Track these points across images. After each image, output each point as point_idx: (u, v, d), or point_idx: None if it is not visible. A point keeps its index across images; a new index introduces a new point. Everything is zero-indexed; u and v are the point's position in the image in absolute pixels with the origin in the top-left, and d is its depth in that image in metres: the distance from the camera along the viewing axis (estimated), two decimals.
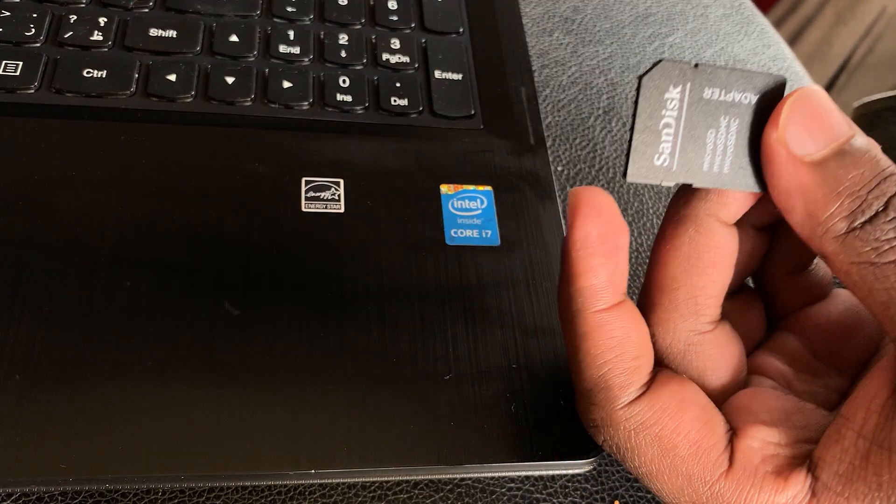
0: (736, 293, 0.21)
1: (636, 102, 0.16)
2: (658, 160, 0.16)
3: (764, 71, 0.16)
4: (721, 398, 0.19)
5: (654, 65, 0.16)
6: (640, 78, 0.16)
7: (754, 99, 0.16)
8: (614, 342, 0.17)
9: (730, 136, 0.16)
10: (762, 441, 0.17)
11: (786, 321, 0.21)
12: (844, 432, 0.16)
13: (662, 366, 0.19)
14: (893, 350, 0.16)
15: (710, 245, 0.17)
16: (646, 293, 0.19)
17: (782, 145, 0.16)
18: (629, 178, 0.16)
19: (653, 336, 0.19)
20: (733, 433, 0.18)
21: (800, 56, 1.00)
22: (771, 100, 0.16)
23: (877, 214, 0.15)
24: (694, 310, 0.18)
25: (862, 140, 0.16)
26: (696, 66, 0.16)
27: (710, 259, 0.18)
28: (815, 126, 0.16)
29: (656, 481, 0.18)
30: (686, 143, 0.16)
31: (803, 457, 0.16)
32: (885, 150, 0.17)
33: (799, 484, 0.16)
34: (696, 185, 0.17)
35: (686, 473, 0.17)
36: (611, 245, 0.17)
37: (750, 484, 0.16)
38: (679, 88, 0.16)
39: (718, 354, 0.19)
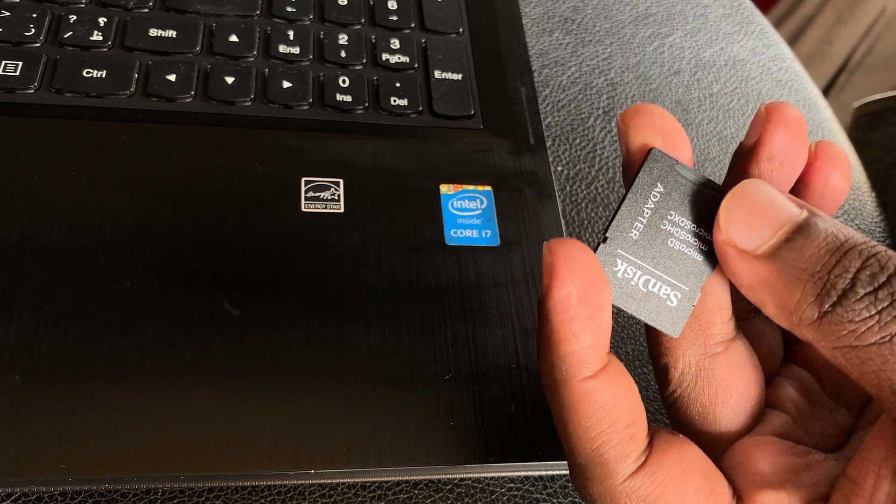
0: (755, 315, 0.20)
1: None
2: (673, 302, 0.17)
3: (638, 166, 0.17)
4: (735, 426, 0.18)
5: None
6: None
7: (660, 187, 0.17)
8: (605, 411, 0.16)
9: (682, 225, 0.17)
10: (773, 499, 0.16)
11: (796, 350, 0.20)
12: (854, 500, 0.15)
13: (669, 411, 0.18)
14: (893, 427, 0.15)
15: None
16: None
17: (729, 245, 0.16)
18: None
19: (664, 366, 0.18)
20: (739, 498, 0.17)
21: (799, 56, 1.00)
22: (666, 170, 0.17)
23: (845, 294, 0.14)
24: (700, 330, 0.17)
25: (814, 219, 0.15)
26: (605, 238, 0.17)
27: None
28: (757, 218, 0.16)
29: None
30: (670, 269, 0.17)
31: None
32: (885, 150, 0.16)
33: None
34: (707, 274, 0.17)
35: None
36: (593, 305, 0.16)
37: None
38: (618, 260, 0.17)
39: (732, 377, 0.18)
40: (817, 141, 0.18)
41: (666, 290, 0.17)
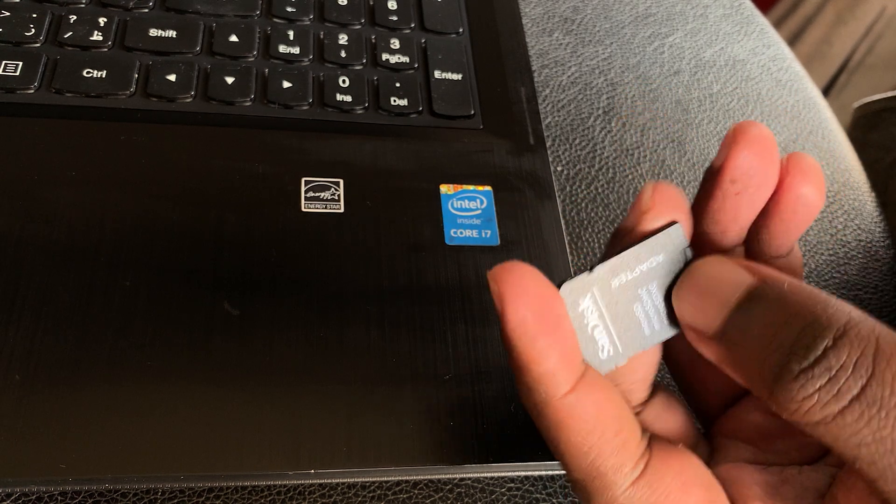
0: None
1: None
2: (603, 354, 0.17)
3: (657, 228, 0.17)
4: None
5: (559, 284, 0.17)
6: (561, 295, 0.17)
7: (661, 258, 0.17)
8: (591, 424, 0.16)
9: (654, 297, 0.17)
10: None
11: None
12: None
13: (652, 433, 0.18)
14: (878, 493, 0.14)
15: None
16: None
17: (688, 329, 0.16)
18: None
19: None
20: None
21: (799, 56, 1.00)
22: (676, 246, 0.17)
23: (780, 373, 0.14)
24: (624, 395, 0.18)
25: (759, 289, 0.15)
26: (592, 270, 0.17)
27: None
28: (705, 300, 0.16)
29: None
30: (619, 328, 0.17)
31: None
32: (885, 150, 0.16)
33: None
34: (644, 349, 0.18)
35: None
36: (551, 321, 0.15)
37: None
38: (588, 296, 0.17)
39: (661, 427, 0.18)
40: (789, 154, 0.18)
41: (605, 342, 0.17)
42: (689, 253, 0.17)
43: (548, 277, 0.16)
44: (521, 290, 0.15)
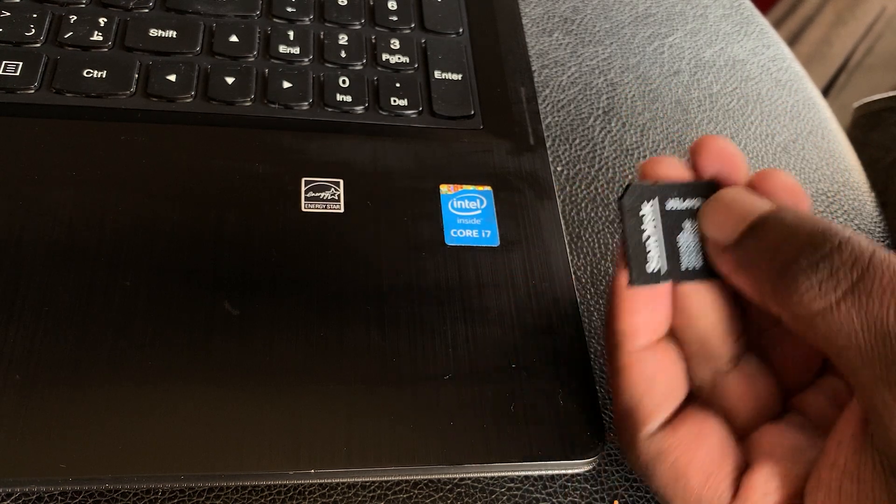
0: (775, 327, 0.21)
1: (622, 221, 0.19)
2: (650, 267, 0.19)
3: (702, 179, 0.20)
4: (748, 430, 0.20)
5: (626, 188, 0.19)
6: (619, 201, 0.19)
7: (700, 203, 0.20)
8: (644, 380, 0.19)
9: (694, 235, 0.19)
10: (766, 476, 0.18)
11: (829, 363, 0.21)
12: (821, 466, 0.17)
13: (699, 400, 0.20)
14: (855, 394, 0.17)
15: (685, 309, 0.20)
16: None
17: (708, 242, 0.19)
18: (634, 285, 0.19)
19: (689, 373, 0.20)
20: (747, 467, 0.19)
21: (799, 56, 1.00)
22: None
23: (793, 271, 0.16)
24: (706, 355, 0.20)
25: (772, 212, 0.18)
26: (656, 183, 0.19)
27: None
28: (725, 217, 0.18)
29: (669, 501, 0.19)
30: (667, 250, 0.19)
31: (800, 490, 0.17)
32: (885, 150, 0.17)
33: None
34: (678, 282, 0.19)
35: (694, 498, 0.18)
36: (649, 295, 0.19)
37: None
38: (649, 204, 0.19)
39: (744, 391, 0.20)
40: (759, 171, 0.20)
41: (654, 255, 0.19)
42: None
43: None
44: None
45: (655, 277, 0.19)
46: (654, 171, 0.19)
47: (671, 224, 0.19)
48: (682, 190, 0.19)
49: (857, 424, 0.17)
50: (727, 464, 0.19)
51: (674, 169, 0.19)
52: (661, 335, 0.20)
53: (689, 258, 0.19)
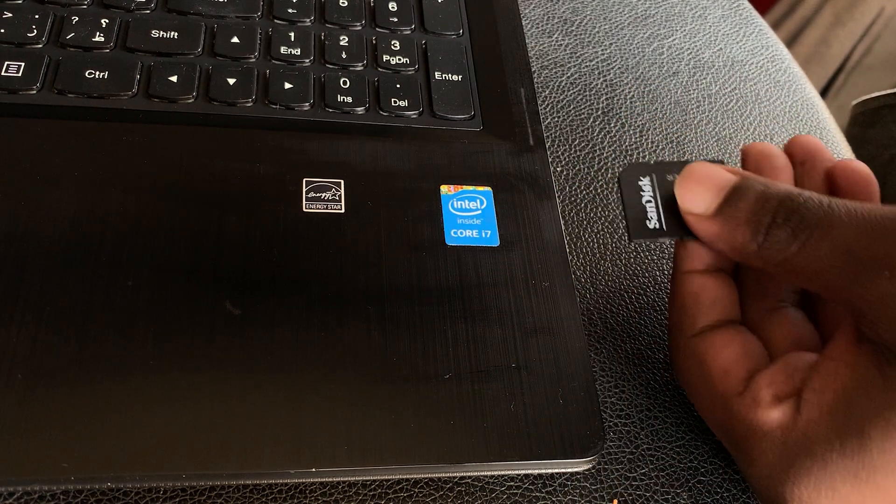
0: (785, 305, 0.24)
1: (620, 192, 0.23)
2: (650, 224, 0.23)
3: (706, 158, 0.25)
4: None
5: (626, 167, 0.23)
6: (619, 176, 0.23)
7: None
8: (689, 295, 0.23)
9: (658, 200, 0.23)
10: (771, 374, 0.21)
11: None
12: (821, 360, 0.20)
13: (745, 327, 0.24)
14: (842, 307, 0.20)
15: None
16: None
17: (687, 213, 0.22)
18: (633, 240, 0.23)
19: (741, 304, 0.24)
20: (758, 370, 0.22)
21: (798, 57, 1.01)
22: None
23: (769, 227, 0.20)
24: (759, 293, 0.24)
25: (745, 181, 0.21)
26: (655, 162, 0.23)
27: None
28: (701, 188, 0.22)
29: (694, 395, 0.23)
30: (666, 211, 0.23)
31: (802, 382, 0.20)
32: (880, 147, 0.18)
33: (788, 404, 0.20)
34: (678, 237, 0.23)
35: (713, 390, 0.22)
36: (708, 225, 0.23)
37: (752, 401, 0.21)
38: (647, 178, 0.23)
39: (784, 329, 0.23)
40: (836, 164, 0.25)
41: (653, 214, 0.23)
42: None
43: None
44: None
45: (656, 233, 0.22)
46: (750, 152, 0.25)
47: (671, 192, 0.22)
48: (679, 167, 0.22)
49: (849, 328, 0.20)
50: (745, 365, 0.21)
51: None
52: (709, 265, 0.23)
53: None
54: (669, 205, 0.22)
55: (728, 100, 0.37)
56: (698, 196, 0.22)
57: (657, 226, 0.22)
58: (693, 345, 0.23)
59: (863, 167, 0.24)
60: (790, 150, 0.26)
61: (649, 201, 0.22)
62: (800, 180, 0.25)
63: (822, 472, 0.18)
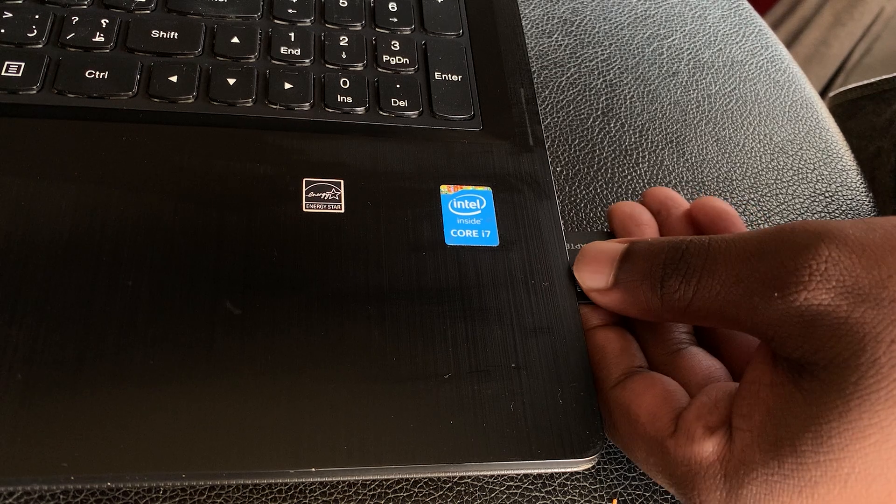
0: (685, 347, 0.25)
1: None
2: (578, 288, 0.25)
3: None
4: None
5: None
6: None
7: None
8: (597, 349, 0.24)
9: None
10: (698, 408, 0.21)
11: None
12: (743, 384, 0.20)
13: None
14: (749, 332, 0.21)
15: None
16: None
17: (589, 291, 0.24)
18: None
19: (646, 352, 0.24)
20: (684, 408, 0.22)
21: (797, 57, 1.01)
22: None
23: (663, 281, 0.21)
24: (656, 342, 0.24)
25: (632, 247, 0.23)
26: (565, 233, 0.26)
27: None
28: (596, 266, 0.23)
29: (629, 447, 0.22)
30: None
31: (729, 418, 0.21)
32: (864, 140, 0.18)
33: (720, 434, 0.20)
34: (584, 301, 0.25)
35: (644, 436, 0.21)
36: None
37: (686, 438, 0.20)
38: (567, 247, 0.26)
39: (695, 369, 0.23)
40: (694, 201, 0.27)
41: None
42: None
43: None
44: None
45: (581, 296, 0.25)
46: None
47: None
48: (580, 237, 0.26)
49: (764, 350, 0.20)
50: (670, 405, 0.21)
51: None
52: (606, 319, 0.24)
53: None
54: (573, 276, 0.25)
55: (728, 100, 0.37)
56: (596, 273, 0.23)
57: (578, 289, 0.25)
58: (615, 396, 0.22)
59: (717, 202, 0.26)
60: (647, 203, 0.28)
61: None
62: (662, 230, 0.27)
63: (769, 496, 0.19)
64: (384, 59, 0.29)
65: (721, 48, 0.39)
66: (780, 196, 0.34)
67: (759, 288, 0.19)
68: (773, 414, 0.19)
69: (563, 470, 0.23)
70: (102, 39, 0.27)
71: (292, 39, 0.29)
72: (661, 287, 0.21)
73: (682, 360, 0.23)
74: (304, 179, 0.25)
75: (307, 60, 0.29)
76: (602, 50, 0.37)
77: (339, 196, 0.25)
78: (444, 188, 0.26)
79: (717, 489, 0.20)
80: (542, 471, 0.23)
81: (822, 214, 0.34)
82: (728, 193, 0.33)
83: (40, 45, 0.26)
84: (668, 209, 0.27)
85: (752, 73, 0.38)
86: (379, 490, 0.23)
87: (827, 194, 0.35)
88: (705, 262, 0.21)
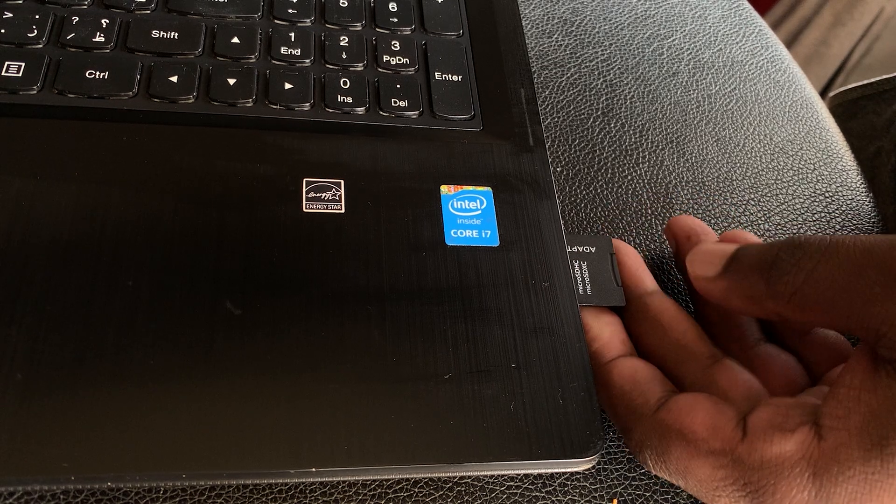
0: (763, 343, 0.25)
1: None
2: (579, 291, 0.26)
3: (598, 234, 0.29)
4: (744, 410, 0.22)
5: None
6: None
7: (593, 249, 0.27)
8: (628, 380, 0.23)
9: (585, 272, 0.26)
10: (769, 408, 0.20)
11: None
12: (838, 387, 0.20)
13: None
14: (855, 332, 0.20)
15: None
16: None
17: (698, 280, 0.24)
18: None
19: (677, 377, 0.24)
20: (748, 414, 0.21)
21: (797, 57, 1.01)
22: (604, 248, 0.27)
23: (774, 262, 0.21)
24: (688, 357, 0.24)
25: (743, 247, 0.23)
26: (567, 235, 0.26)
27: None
28: (707, 257, 0.24)
29: (688, 470, 0.21)
30: (591, 283, 0.26)
31: (810, 414, 0.20)
32: (864, 140, 0.18)
33: (804, 432, 0.19)
34: (583, 304, 0.25)
35: (708, 451, 0.20)
36: (604, 320, 0.25)
37: (762, 441, 0.19)
38: (576, 262, 0.27)
39: (731, 377, 0.23)
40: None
41: (580, 282, 0.26)
42: (613, 257, 0.27)
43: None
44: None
45: (582, 299, 0.25)
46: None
47: (596, 268, 0.27)
48: (587, 239, 0.27)
49: (862, 355, 0.20)
50: (728, 415, 0.21)
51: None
52: (625, 351, 0.24)
53: (579, 286, 0.26)
54: (595, 278, 0.26)
55: (728, 100, 0.37)
56: (707, 263, 0.24)
57: (580, 291, 0.26)
58: (661, 419, 0.21)
59: (690, 219, 0.28)
60: (674, 233, 0.28)
61: (580, 271, 0.26)
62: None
63: (866, 495, 0.18)
64: (384, 60, 0.29)
65: (721, 48, 0.39)
66: (780, 196, 0.34)
67: (881, 279, 0.19)
68: (877, 415, 0.18)
69: (563, 470, 0.23)
70: (102, 39, 0.27)
71: (292, 39, 0.29)
72: (770, 269, 0.21)
73: (760, 356, 0.24)
74: (305, 179, 0.25)
75: (307, 60, 0.29)
76: (602, 50, 0.37)
77: (340, 196, 0.25)
78: (444, 188, 0.26)
79: (805, 489, 0.19)
80: (543, 471, 0.23)
81: (822, 215, 0.34)
82: (728, 193, 0.33)
83: (40, 45, 0.26)
84: (697, 236, 0.27)
85: (753, 74, 0.38)
86: (379, 490, 0.23)
87: (827, 194, 0.35)
88: (826, 248, 0.20)
